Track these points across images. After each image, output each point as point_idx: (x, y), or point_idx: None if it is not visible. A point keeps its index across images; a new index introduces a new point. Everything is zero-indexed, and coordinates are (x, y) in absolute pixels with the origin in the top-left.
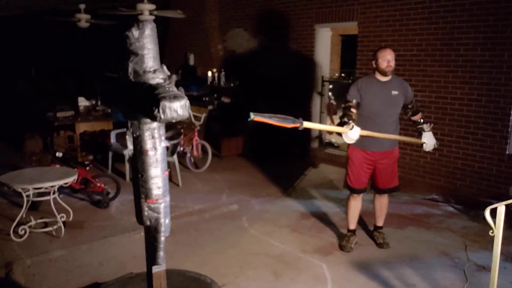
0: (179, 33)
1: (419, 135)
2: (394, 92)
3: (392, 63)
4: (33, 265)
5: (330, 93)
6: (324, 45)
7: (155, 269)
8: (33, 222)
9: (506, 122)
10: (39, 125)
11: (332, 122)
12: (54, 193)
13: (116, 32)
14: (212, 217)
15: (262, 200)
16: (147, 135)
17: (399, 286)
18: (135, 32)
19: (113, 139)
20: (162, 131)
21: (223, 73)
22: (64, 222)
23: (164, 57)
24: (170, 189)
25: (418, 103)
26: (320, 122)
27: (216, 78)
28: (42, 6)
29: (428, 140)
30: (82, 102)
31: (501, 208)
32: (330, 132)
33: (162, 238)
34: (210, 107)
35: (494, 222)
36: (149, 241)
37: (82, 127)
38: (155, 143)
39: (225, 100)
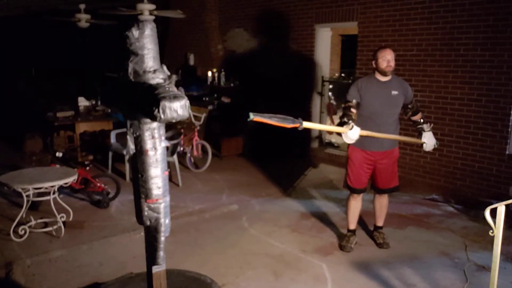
0: (179, 33)
1: (419, 135)
2: (394, 92)
3: (392, 63)
4: (33, 265)
5: (330, 93)
6: (324, 45)
7: (155, 269)
8: (33, 222)
9: (506, 122)
10: (39, 125)
11: (332, 122)
12: (54, 193)
13: (116, 32)
14: (212, 217)
15: (262, 200)
16: (147, 135)
17: (399, 286)
18: (135, 32)
19: (113, 139)
20: (162, 131)
21: (223, 73)
22: (64, 222)
23: (164, 57)
24: (170, 189)
25: (418, 103)
26: (320, 122)
27: (216, 78)
28: (42, 6)
29: (428, 140)
30: (82, 102)
31: (501, 208)
32: (330, 132)
33: (162, 238)
34: (210, 107)
35: (494, 222)
36: (149, 241)
37: (82, 127)
38: (155, 143)
39: (225, 100)
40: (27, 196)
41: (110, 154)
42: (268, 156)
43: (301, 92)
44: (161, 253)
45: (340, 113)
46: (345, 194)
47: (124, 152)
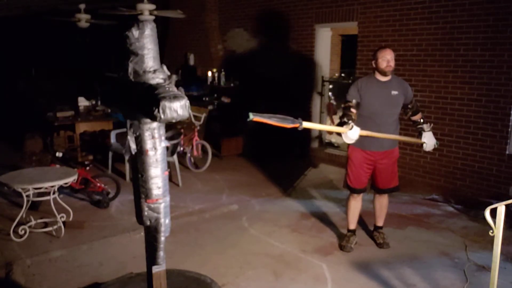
0: (179, 33)
1: (419, 135)
2: (394, 92)
3: (392, 63)
4: (33, 265)
5: (330, 93)
6: (324, 45)
7: (155, 269)
8: (33, 222)
9: (506, 122)
10: (39, 125)
11: (332, 122)
12: (54, 193)
13: (116, 32)
14: (212, 217)
15: (262, 200)
16: (147, 135)
17: (399, 286)
18: (135, 32)
19: (113, 139)
20: (162, 131)
21: (223, 73)
22: (64, 222)
23: (164, 57)
24: (170, 189)
25: (418, 103)
26: (320, 122)
27: (216, 78)
28: (42, 6)
29: (428, 140)
30: (82, 102)
31: (501, 208)
32: (330, 132)
33: (162, 238)
34: (210, 107)
35: (494, 222)
36: (149, 241)
37: (82, 127)
38: (155, 143)
39: (225, 100)
40: (27, 196)
41: (110, 154)
42: (268, 156)
43: (301, 92)
44: (161, 253)
45: (340, 113)
46: (345, 194)
47: (124, 152)
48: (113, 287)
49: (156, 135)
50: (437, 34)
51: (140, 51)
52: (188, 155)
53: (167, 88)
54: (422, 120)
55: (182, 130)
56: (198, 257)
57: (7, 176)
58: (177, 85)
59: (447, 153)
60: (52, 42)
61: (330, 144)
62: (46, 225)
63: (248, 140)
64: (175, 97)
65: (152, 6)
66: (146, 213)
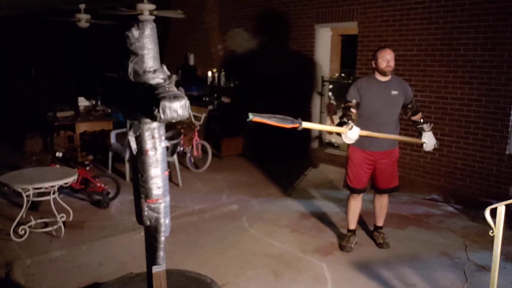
0: (179, 33)
1: (419, 135)
2: (394, 92)
3: (392, 63)
4: (33, 265)
5: (330, 93)
6: (324, 45)
7: (155, 269)
8: (33, 222)
9: (506, 122)
10: (39, 125)
11: (332, 122)
12: (54, 193)
13: (116, 32)
14: (212, 217)
15: (262, 200)
16: (147, 135)
17: (399, 286)
18: (135, 32)
19: (113, 139)
20: (162, 131)
21: (223, 73)
22: (64, 222)
23: (164, 57)
24: (170, 189)
25: (418, 103)
26: (320, 122)
27: (216, 78)
28: (42, 6)
29: (428, 140)
30: (82, 102)
31: (501, 208)
32: (330, 132)
33: (162, 238)
34: (210, 107)
35: (494, 222)
36: (149, 241)
37: (82, 127)
38: (155, 143)
39: (225, 100)
40: (27, 196)
41: (110, 154)
42: (268, 156)
43: (301, 92)
44: (161, 253)
45: (340, 113)
46: (345, 194)
47: (124, 152)
48: (113, 287)
49: (156, 135)
50: (437, 34)
51: (140, 51)
52: (188, 155)
53: (167, 88)
54: (422, 120)
55: (182, 130)
56: (198, 257)
57: (7, 176)
58: (177, 85)
59: (447, 153)
60: (52, 42)
61: (330, 144)
62: (46, 225)
63: (248, 140)
64: (175, 97)
65: (152, 6)
66: (146, 213)
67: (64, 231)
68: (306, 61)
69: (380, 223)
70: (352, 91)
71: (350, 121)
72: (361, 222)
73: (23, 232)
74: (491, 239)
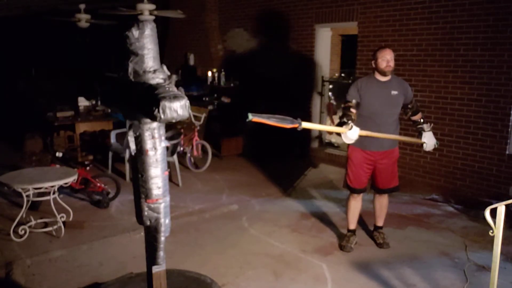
0: (179, 33)
1: (419, 135)
2: (394, 92)
3: (392, 63)
4: (33, 265)
5: (330, 93)
6: (324, 45)
7: (155, 269)
8: (33, 222)
9: (506, 122)
10: (39, 125)
11: (332, 122)
12: (54, 193)
13: (116, 32)
14: (212, 217)
15: (262, 200)
16: (147, 135)
17: (399, 286)
18: (135, 32)
19: (113, 139)
20: (162, 131)
21: (223, 73)
22: (64, 222)
23: (164, 57)
24: (170, 189)
25: (418, 103)
26: (320, 122)
27: (216, 78)
28: (42, 6)
29: (428, 140)
30: (82, 102)
31: (501, 208)
32: (330, 132)
33: (162, 238)
34: (210, 107)
35: (494, 222)
36: (149, 241)
37: (82, 127)
38: (155, 143)
39: (225, 100)
40: (27, 196)
41: (110, 154)
42: (268, 156)
43: (301, 92)
44: (161, 253)
45: (340, 113)
46: (345, 194)
47: (123, 152)
48: (113, 287)
49: (156, 135)
50: (437, 34)
51: (140, 51)
52: (188, 155)
53: (167, 88)
54: (422, 120)
55: (182, 130)
56: (198, 257)
57: (7, 176)
58: (177, 85)
59: (447, 153)
60: (52, 42)
61: (330, 144)
62: (46, 225)
63: (248, 140)
64: (175, 97)
65: (152, 6)
66: (146, 213)
67: (64, 231)
68: (306, 61)
69: (380, 223)
70: (352, 91)
71: (350, 121)
72: (361, 222)
73: (23, 232)
74: (491, 239)
